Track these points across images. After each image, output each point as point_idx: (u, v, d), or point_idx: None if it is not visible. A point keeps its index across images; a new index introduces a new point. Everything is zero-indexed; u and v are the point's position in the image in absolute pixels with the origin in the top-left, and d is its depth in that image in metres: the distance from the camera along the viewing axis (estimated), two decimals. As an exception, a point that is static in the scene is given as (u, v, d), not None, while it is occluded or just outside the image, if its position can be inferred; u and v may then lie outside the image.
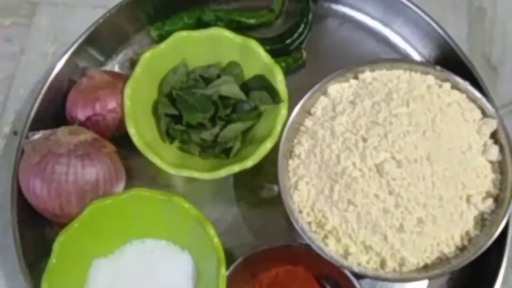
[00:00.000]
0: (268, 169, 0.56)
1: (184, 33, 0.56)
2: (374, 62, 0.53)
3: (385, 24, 0.61)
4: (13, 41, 0.64)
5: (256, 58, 0.55)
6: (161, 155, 0.52)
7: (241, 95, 0.56)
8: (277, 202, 0.55)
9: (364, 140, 0.49)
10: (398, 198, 0.47)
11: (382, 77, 0.53)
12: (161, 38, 0.61)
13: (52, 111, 0.57)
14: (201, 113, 0.55)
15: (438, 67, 0.51)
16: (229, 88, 0.56)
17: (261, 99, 0.55)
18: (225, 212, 0.56)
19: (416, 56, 0.59)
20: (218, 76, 0.57)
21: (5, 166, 0.57)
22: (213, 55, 0.57)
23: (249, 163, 0.51)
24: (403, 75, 0.52)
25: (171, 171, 0.51)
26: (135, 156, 0.54)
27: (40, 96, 0.56)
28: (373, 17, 0.61)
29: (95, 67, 0.60)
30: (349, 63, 0.56)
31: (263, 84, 0.55)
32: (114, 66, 0.61)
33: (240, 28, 0.61)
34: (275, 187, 0.57)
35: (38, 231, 0.54)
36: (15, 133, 0.60)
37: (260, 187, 0.57)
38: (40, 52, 0.63)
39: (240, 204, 0.57)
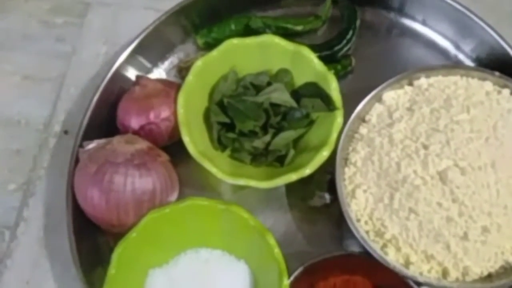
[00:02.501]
0: (319, 176, 0.56)
1: (235, 40, 0.55)
2: (429, 68, 0.53)
3: (434, 29, 0.60)
4: (65, 41, 0.64)
5: (308, 65, 0.55)
6: (215, 163, 0.52)
7: (292, 102, 0.55)
8: (329, 210, 0.56)
9: (425, 147, 0.48)
10: (462, 206, 0.47)
11: (438, 84, 0.52)
12: (207, 45, 0.61)
13: (103, 119, 0.56)
14: (253, 121, 0.54)
15: (496, 73, 0.51)
16: (280, 96, 0.55)
17: (313, 106, 0.54)
18: (278, 220, 0.55)
19: (468, 62, 0.58)
20: (269, 84, 0.56)
21: (57, 164, 0.58)
22: (263, 62, 0.56)
23: (307, 171, 0.50)
24: (459, 81, 0.52)
25: (228, 180, 0.51)
26: (185, 164, 0.54)
27: (92, 104, 0.55)
28: (421, 23, 0.61)
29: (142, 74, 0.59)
30: (398, 69, 0.56)
31: (316, 91, 0.54)
32: (161, 73, 0.61)
33: (286, 35, 0.60)
34: (326, 195, 0.56)
35: (91, 239, 0.54)
36: (65, 132, 0.60)
37: (311, 195, 0.57)
38: (91, 52, 0.63)
39: (292, 212, 0.56)
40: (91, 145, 0.51)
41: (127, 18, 0.64)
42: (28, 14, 0.66)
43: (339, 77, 0.59)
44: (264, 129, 0.55)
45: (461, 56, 0.59)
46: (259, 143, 0.54)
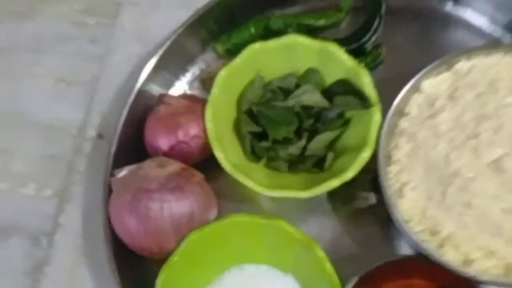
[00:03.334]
0: (360, 177, 0.52)
1: (257, 45, 0.53)
2: (469, 50, 0.49)
3: (466, 5, 0.56)
4: (97, 42, 0.62)
5: (337, 62, 0.52)
6: (251, 176, 0.50)
7: (324, 102, 0.52)
8: (376, 211, 0.53)
9: (474, 136, 0.45)
10: (521, 196, 0.43)
11: (480, 66, 0.48)
12: (228, 52, 0.58)
13: (132, 141, 0.54)
14: (285, 127, 0.52)
15: (543, 48, 0.47)
16: (311, 97, 0.52)
17: (347, 104, 0.52)
18: (323, 228, 0.53)
19: (507, 38, 0.55)
20: (297, 86, 0.54)
21: (92, 169, 0.57)
22: (289, 63, 0.54)
23: (349, 175, 0.48)
24: (502, 61, 0.48)
25: (267, 193, 0.48)
26: (220, 179, 0.52)
27: (126, 109, 0.53)
28: (452, 1, 0.57)
29: (165, 90, 0.58)
30: (432, 54, 0.53)
31: (348, 88, 0.51)
32: (184, 87, 0.59)
33: (309, 32, 0.57)
34: (371, 195, 0.53)
35: (132, 266, 0.52)
36: (100, 136, 0.58)
37: (354, 197, 0.54)
38: (124, 53, 0.61)
39: (337, 217, 0.53)
40: (123, 172, 0.49)
41: (159, 17, 0.62)
42: (59, 16, 0.64)
43: (370, 69, 0.55)
44: (298, 133, 0.52)
45: (498, 32, 0.55)
46: (294, 149, 0.52)
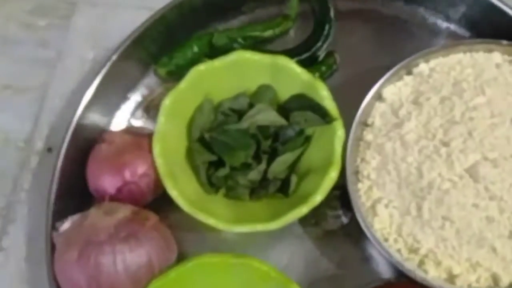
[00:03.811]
0: (327, 194, 0.49)
1: (202, 66, 0.48)
2: (427, 52, 0.46)
3: (417, 4, 0.53)
4: (49, 45, 0.57)
5: (291, 76, 0.48)
6: (211, 210, 0.45)
7: (281, 121, 0.49)
8: (348, 230, 0.49)
9: (445, 144, 0.42)
10: (501, 202, 0.41)
11: (441, 67, 0.46)
12: (171, 74, 0.54)
13: (87, 137, 0.49)
14: (243, 151, 0.48)
15: (504, 41, 0.45)
16: (266, 116, 0.48)
17: (306, 120, 0.48)
18: (294, 254, 0.49)
19: (464, 33, 0.52)
20: (250, 105, 0.49)
21: (39, 186, 0.51)
22: (239, 82, 0.50)
23: (318, 198, 0.44)
24: (464, 59, 0.46)
25: (231, 229, 0.44)
26: (176, 217, 0.47)
27: (75, 118, 0.48)
28: (399, 7, 0.54)
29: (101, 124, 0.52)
30: (388, 57, 0.51)
31: (305, 103, 0.48)
32: (126, 117, 0.53)
33: (256, 44, 0.54)
34: (340, 214, 0.50)
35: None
36: (49, 149, 0.53)
37: (323, 217, 0.50)
38: (78, 58, 0.56)
39: (308, 241, 0.49)
40: (66, 224, 0.44)
41: (117, 19, 0.56)
42: (7, 16, 0.58)
43: (325, 79, 0.52)
44: (257, 157, 0.48)
45: (454, 27, 0.53)
46: (254, 174, 0.48)
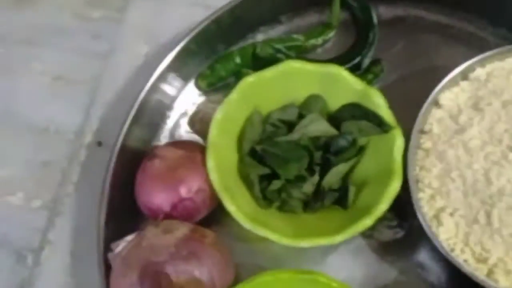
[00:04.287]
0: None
1: (251, 78, 0.47)
2: (482, 57, 0.45)
3: (461, 10, 0.53)
4: (102, 38, 0.55)
5: (342, 85, 0.47)
6: (270, 225, 0.44)
7: (332, 131, 0.47)
8: (405, 243, 0.48)
9: (513, 149, 0.41)
10: None
11: (498, 71, 0.45)
12: (212, 86, 0.53)
13: (142, 132, 0.49)
14: (296, 163, 0.46)
15: (561, 42, 0.44)
16: (317, 126, 0.47)
17: (360, 130, 0.47)
18: (351, 269, 0.47)
19: (504, 40, 0.51)
20: (300, 116, 0.48)
21: (88, 180, 0.51)
22: (288, 93, 0.48)
23: (382, 207, 0.42)
24: (521, 62, 0.45)
25: (295, 244, 0.42)
26: (228, 231, 0.46)
27: (131, 115, 0.47)
28: (441, 12, 0.53)
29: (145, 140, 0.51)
30: (433, 65, 0.51)
31: (359, 112, 0.46)
32: (166, 136, 0.52)
33: (298, 54, 0.53)
34: (397, 226, 0.48)
35: None
36: (99, 143, 0.52)
37: (379, 229, 0.48)
38: (131, 53, 0.55)
39: (364, 255, 0.48)
40: (121, 245, 0.42)
41: (171, 15, 0.55)
42: (61, 6, 0.57)
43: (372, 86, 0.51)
44: (310, 169, 0.47)
45: (499, 32, 0.52)
46: (308, 187, 0.46)
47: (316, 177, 0.46)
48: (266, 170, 0.46)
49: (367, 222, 0.42)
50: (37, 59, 0.56)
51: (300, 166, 0.46)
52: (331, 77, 0.47)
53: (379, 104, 0.45)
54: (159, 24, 0.55)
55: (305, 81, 0.48)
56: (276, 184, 0.46)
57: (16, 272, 0.49)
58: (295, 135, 0.47)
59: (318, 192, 0.47)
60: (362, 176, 0.46)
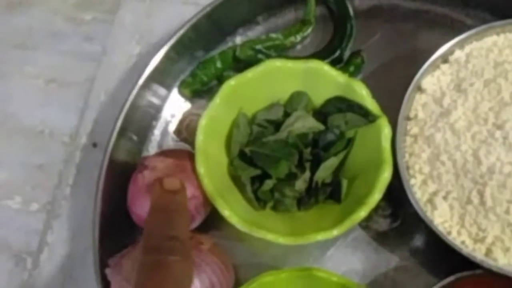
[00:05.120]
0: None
1: (233, 81, 0.47)
2: (459, 39, 0.45)
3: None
4: (94, 39, 0.56)
5: (325, 79, 0.47)
6: (265, 226, 0.43)
7: (319, 126, 0.47)
8: (401, 230, 0.48)
9: (500, 127, 0.41)
10: None
11: (477, 51, 0.45)
12: (196, 92, 0.52)
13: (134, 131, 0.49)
14: (286, 162, 0.46)
15: (537, 18, 0.45)
16: (304, 123, 0.47)
17: (347, 122, 0.47)
18: (350, 262, 0.47)
19: (485, 15, 0.52)
20: (285, 114, 0.48)
21: (84, 181, 0.52)
22: (271, 92, 0.48)
23: (376, 197, 0.42)
24: (498, 40, 0.45)
25: (292, 242, 0.42)
26: (225, 235, 0.47)
27: (123, 113, 0.48)
28: None
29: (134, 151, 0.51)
30: (414, 51, 0.51)
31: (344, 105, 0.46)
32: (163, 141, 0.52)
33: (278, 52, 0.53)
34: (392, 215, 0.48)
35: None
36: (94, 145, 0.52)
37: (374, 220, 0.49)
38: (123, 53, 0.55)
39: (362, 247, 0.48)
40: (118, 260, 0.41)
41: (163, 14, 0.56)
42: (53, 10, 0.58)
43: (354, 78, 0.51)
44: (300, 166, 0.47)
45: (475, 13, 0.52)
46: (300, 184, 0.46)
47: (307, 174, 0.46)
48: (256, 171, 0.46)
49: (362, 213, 0.42)
50: (31, 63, 0.56)
51: (291, 164, 0.46)
52: (313, 73, 0.47)
53: (363, 95, 0.46)
54: (151, 24, 0.56)
55: (287, 79, 0.48)
56: (268, 184, 0.46)
57: (16, 275, 0.50)
58: (282, 134, 0.47)
59: (311, 189, 0.47)
60: (353, 168, 0.46)
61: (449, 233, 0.43)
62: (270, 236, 0.42)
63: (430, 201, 0.43)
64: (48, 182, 0.52)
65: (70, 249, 0.50)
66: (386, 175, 0.43)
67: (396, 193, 0.45)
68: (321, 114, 0.48)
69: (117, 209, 0.46)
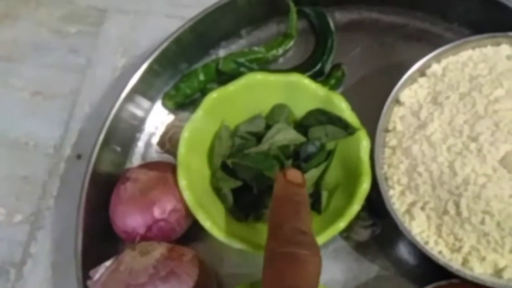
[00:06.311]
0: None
1: (215, 94, 0.47)
2: (436, 53, 0.46)
3: (411, 8, 0.54)
4: (79, 52, 0.57)
5: (306, 92, 0.48)
6: (246, 238, 0.44)
7: (300, 138, 0.48)
8: (381, 240, 0.49)
9: (474, 139, 0.42)
10: (538, 189, 0.41)
11: (453, 65, 0.46)
12: (179, 105, 0.53)
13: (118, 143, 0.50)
14: (268, 173, 0.47)
15: (510, 33, 0.46)
16: (285, 135, 0.48)
17: (327, 135, 0.47)
18: (331, 272, 0.48)
19: (464, 30, 0.53)
20: (267, 126, 0.49)
21: (68, 193, 0.52)
22: (253, 104, 0.49)
23: (355, 209, 0.43)
24: (474, 54, 0.46)
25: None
26: (205, 245, 0.48)
27: (106, 125, 0.48)
28: (394, 13, 0.55)
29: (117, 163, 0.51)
30: (393, 63, 0.52)
31: (324, 118, 0.47)
32: (147, 153, 0.53)
33: (261, 65, 0.53)
34: (372, 225, 0.49)
35: None
36: (78, 156, 0.53)
37: (354, 230, 0.49)
38: (108, 65, 0.56)
39: (342, 257, 0.48)
40: (100, 272, 0.42)
41: (148, 27, 0.57)
42: (38, 22, 0.59)
43: (335, 91, 0.52)
44: None
45: (452, 26, 0.53)
46: None
47: None
48: (238, 183, 0.47)
49: (341, 225, 0.43)
50: (16, 75, 0.57)
51: (272, 176, 0.47)
52: (294, 86, 0.48)
53: (342, 107, 0.46)
54: (135, 37, 0.57)
55: (268, 92, 0.48)
56: (250, 196, 0.47)
57: (-1, 286, 0.50)
58: (264, 146, 0.48)
59: None
60: (333, 179, 0.47)
61: (427, 243, 0.43)
62: (250, 248, 0.42)
63: (408, 211, 0.44)
64: (32, 193, 0.53)
65: (54, 261, 0.51)
66: (364, 187, 0.44)
67: (376, 204, 0.46)
68: (302, 126, 0.49)
69: (100, 220, 0.47)
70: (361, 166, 0.44)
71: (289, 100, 0.49)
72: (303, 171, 0.47)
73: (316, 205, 0.46)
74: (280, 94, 0.48)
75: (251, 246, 0.43)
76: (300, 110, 0.49)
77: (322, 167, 0.47)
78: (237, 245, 0.43)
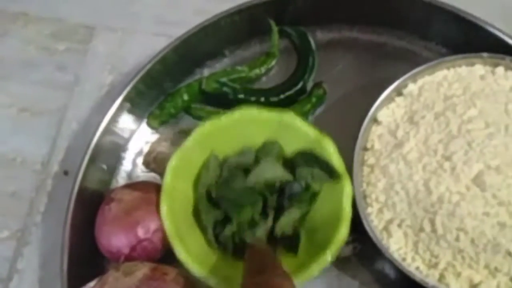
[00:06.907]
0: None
1: (208, 125, 0.48)
2: (413, 73, 0.48)
3: (390, 27, 0.56)
4: (67, 69, 0.57)
5: (297, 132, 0.48)
6: (221, 272, 0.45)
7: (287, 176, 0.48)
8: (362, 256, 0.50)
9: (448, 158, 0.43)
10: (510, 207, 0.42)
11: (429, 85, 0.48)
12: (163, 124, 0.54)
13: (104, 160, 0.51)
14: (250, 208, 0.47)
15: (485, 54, 0.47)
16: (272, 172, 0.48)
17: (313, 177, 0.47)
18: (314, 286, 0.49)
19: (440, 49, 0.54)
20: (256, 159, 0.49)
21: (55, 209, 0.52)
22: (244, 138, 0.49)
23: (328, 258, 0.44)
24: (448, 74, 0.48)
25: None
26: None
27: (93, 143, 0.49)
28: (374, 32, 0.56)
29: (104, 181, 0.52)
30: (372, 82, 0.52)
31: (312, 160, 0.47)
32: (133, 172, 0.53)
33: (244, 83, 0.54)
34: (353, 241, 0.50)
35: None
36: (65, 172, 0.54)
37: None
38: (96, 83, 0.57)
39: (325, 272, 0.49)
40: (85, 292, 0.43)
41: (135, 45, 0.58)
42: (27, 40, 0.59)
43: (316, 109, 0.53)
44: (264, 213, 0.48)
45: (430, 45, 0.55)
46: (261, 231, 0.47)
47: (269, 222, 0.47)
48: (220, 216, 0.47)
49: (314, 270, 0.44)
50: (4, 92, 0.58)
51: (254, 210, 0.47)
52: (286, 125, 0.48)
53: (330, 152, 0.46)
54: (123, 55, 0.58)
55: (261, 128, 0.49)
56: (230, 229, 0.47)
57: (-16, 303, 0.50)
58: (250, 181, 0.47)
59: (271, 237, 0.47)
60: (314, 221, 0.47)
61: (404, 259, 0.45)
62: (224, 285, 0.43)
63: (386, 228, 0.45)
64: (19, 209, 0.53)
65: (40, 276, 0.51)
66: (342, 232, 0.44)
67: (357, 221, 0.47)
68: (290, 164, 0.49)
69: (86, 238, 0.48)
70: (342, 212, 0.45)
71: (280, 137, 0.49)
72: (286, 209, 0.47)
73: (293, 246, 0.46)
74: (272, 130, 0.48)
75: (225, 282, 0.43)
76: (289, 147, 0.49)
77: (304, 208, 0.47)
78: (210, 281, 0.43)
